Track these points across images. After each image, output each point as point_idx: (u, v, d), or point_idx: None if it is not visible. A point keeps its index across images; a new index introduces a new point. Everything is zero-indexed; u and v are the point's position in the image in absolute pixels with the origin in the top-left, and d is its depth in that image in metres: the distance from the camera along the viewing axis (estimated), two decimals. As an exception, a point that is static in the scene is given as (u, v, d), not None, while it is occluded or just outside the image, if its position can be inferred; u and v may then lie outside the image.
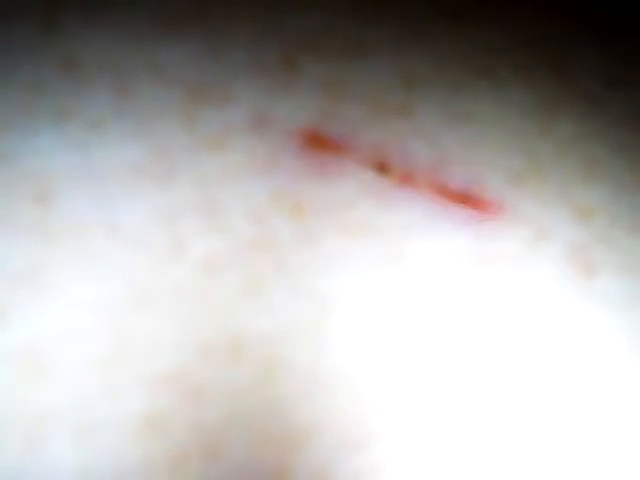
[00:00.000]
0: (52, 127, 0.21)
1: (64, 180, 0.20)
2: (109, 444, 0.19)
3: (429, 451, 0.20)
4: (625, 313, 0.21)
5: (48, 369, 0.19)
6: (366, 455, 0.20)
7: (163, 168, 0.21)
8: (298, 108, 0.22)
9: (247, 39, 0.22)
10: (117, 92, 0.21)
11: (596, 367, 0.21)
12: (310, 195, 0.21)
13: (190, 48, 0.22)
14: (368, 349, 0.20)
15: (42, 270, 0.19)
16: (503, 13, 0.24)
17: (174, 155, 0.21)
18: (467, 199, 0.22)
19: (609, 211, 0.22)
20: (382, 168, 0.22)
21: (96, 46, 0.22)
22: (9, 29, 0.22)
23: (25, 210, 0.20)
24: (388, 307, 0.21)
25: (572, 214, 0.22)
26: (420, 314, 0.21)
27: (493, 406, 0.21)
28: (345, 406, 0.20)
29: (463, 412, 0.20)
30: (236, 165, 0.21)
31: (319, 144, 0.22)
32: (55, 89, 0.21)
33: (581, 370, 0.21)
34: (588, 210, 0.22)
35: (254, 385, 0.20)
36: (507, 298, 0.21)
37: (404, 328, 0.21)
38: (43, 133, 0.20)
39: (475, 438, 0.20)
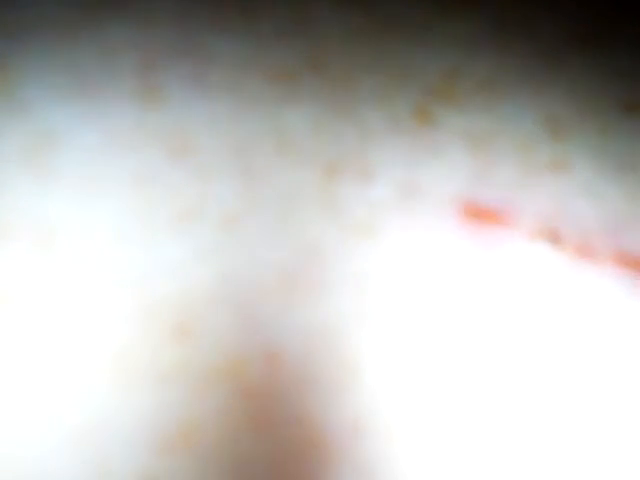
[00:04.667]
0: None
1: None
2: None
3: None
4: None
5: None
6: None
7: (317, 272, 0.17)
8: (446, 172, 0.18)
9: (375, 92, 0.19)
10: (246, 180, 0.18)
11: None
12: (475, 279, 0.18)
13: (314, 111, 0.18)
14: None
15: None
16: None
17: (322, 250, 0.17)
18: (653, 267, 0.18)
19: None
20: (553, 237, 0.18)
21: (205, 114, 0.18)
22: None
23: None
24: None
25: None
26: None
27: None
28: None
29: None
30: (388, 251, 0.17)
31: (477, 215, 0.18)
32: None
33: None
34: None
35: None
36: None
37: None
38: None
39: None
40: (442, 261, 0.18)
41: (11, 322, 0.16)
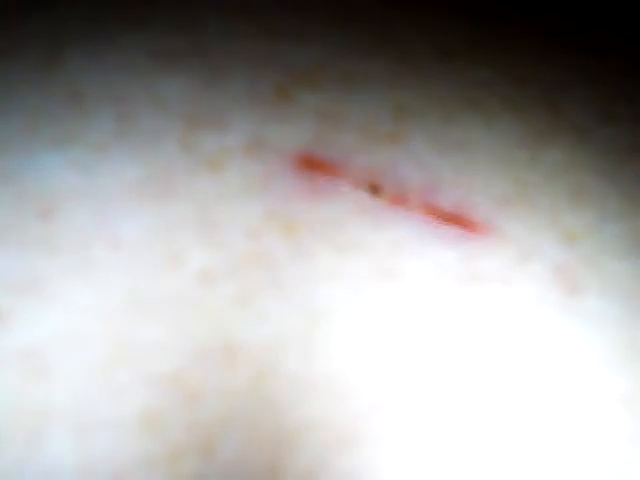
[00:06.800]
0: (55, 149, 0.22)
1: (67, 198, 0.21)
2: (108, 442, 0.19)
3: (419, 451, 0.21)
4: (607, 331, 0.22)
5: (50, 371, 0.20)
6: (356, 454, 0.20)
7: (161, 188, 0.22)
8: (292, 133, 0.23)
9: (244, 71, 0.23)
10: (118, 120, 0.22)
11: (577, 383, 0.22)
12: (303, 213, 0.22)
13: (189, 80, 0.23)
14: (358, 357, 0.21)
15: (45, 279, 0.20)
16: (495, 52, 0.25)
17: (172, 176, 0.22)
18: (456, 219, 0.23)
19: (594, 235, 0.23)
20: (374, 189, 0.23)
21: (99, 79, 0.23)
22: (15, 62, 0.23)
23: (30, 224, 0.21)
24: (378, 318, 0.21)
25: (558, 237, 0.23)
26: (408, 327, 0.21)
27: (479, 415, 0.21)
28: (335, 408, 0.21)
29: (451, 417, 0.21)
30: (232, 185, 0.22)
31: (313, 166, 0.22)
32: (59, 116, 0.22)
33: (563, 386, 0.22)
34: (573, 234, 0.23)
35: (247, 388, 0.20)
36: (493, 314, 0.22)
37: (393, 339, 0.21)
38: (47, 154, 0.22)
39: (464, 441, 0.21)
40: (273, 200, 0.22)
41: None
